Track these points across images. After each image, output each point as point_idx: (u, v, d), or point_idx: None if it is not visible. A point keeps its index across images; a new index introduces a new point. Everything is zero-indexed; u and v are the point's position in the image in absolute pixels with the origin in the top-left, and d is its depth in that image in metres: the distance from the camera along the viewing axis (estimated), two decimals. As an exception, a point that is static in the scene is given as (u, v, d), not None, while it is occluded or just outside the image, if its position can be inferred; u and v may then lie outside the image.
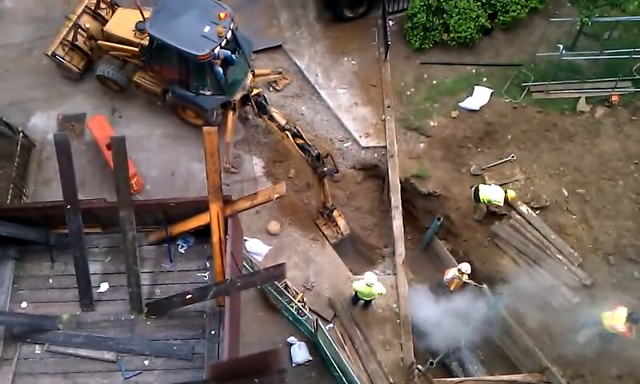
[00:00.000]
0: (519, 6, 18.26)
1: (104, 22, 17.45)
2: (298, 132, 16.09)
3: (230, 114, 16.77)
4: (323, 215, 16.78)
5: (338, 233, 16.70)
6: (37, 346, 11.74)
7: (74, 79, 18.08)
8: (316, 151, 15.75)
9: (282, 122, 16.20)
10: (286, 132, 16.00)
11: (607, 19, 17.18)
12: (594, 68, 18.06)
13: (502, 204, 16.24)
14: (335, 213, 16.61)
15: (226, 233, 11.80)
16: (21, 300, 12.14)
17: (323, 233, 16.72)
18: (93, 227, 12.53)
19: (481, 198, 16.15)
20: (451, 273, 15.64)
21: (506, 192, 16.27)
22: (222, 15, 15.36)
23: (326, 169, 15.84)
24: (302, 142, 15.92)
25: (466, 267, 15.53)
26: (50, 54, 17.31)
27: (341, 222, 16.72)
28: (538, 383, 15.36)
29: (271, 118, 16.45)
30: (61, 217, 11.90)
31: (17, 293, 12.21)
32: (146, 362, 11.63)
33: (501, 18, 18.44)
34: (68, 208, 11.77)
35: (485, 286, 15.97)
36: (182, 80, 16.18)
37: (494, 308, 15.60)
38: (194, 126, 17.24)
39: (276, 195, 12.04)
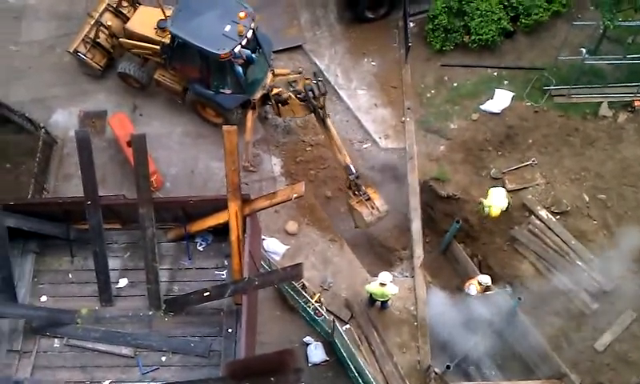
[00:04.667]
0: (542, 9, 18.11)
1: (126, 19, 17.55)
2: (298, 90, 15.83)
3: (250, 113, 16.80)
4: (354, 192, 15.40)
5: (373, 208, 15.28)
6: (56, 339, 11.83)
7: (95, 76, 18.22)
8: (308, 86, 15.21)
9: (286, 95, 16.06)
10: (290, 94, 15.84)
11: (631, 23, 16.97)
12: (617, 72, 17.88)
13: (485, 211, 16.14)
14: (369, 190, 15.48)
15: (244, 231, 11.82)
16: (40, 294, 12.24)
17: (358, 211, 15.26)
18: (112, 223, 12.61)
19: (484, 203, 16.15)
20: (472, 288, 15.37)
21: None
22: (243, 15, 15.40)
23: (317, 96, 15.14)
24: (301, 94, 15.67)
25: (485, 280, 15.32)
26: (72, 51, 17.46)
27: (377, 198, 15.36)
28: (556, 390, 15.21)
29: (282, 102, 16.31)
30: (81, 212, 11.98)
31: (37, 286, 12.32)
32: (163, 359, 11.67)
33: (523, 20, 18.30)
34: (88, 204, 11.85)
35: (509, 288, 15.84)
36: (202, 78, 16.24)
37: (509, 309, 15.47)
38: (214, 125, 17.31)
39: (295, 195, 12.03)
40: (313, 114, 15.66)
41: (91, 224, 11.91)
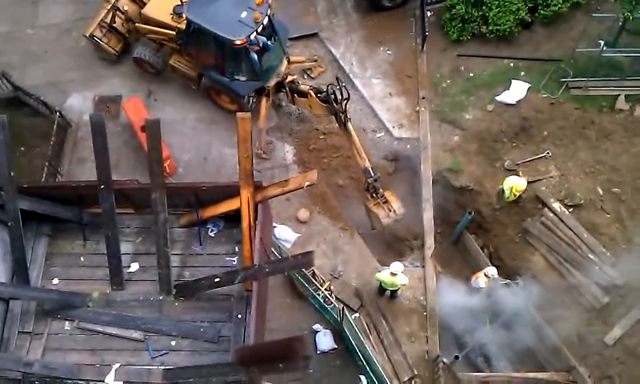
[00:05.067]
0: (561, 0, 17.89)
1: (142, 4, 17.55)
2: (319, 88, 15.93)
3: (264, 100, 16.81)
4: (372, 194, 15.53)
5: (390, 211, 15.40)
6: (67, 322, 12.00)
7: (111, 61, 18.28)
8: (331, 89, 15.24)
9: (306, 88, 16.14)
10: (310, 91, 15.91)
11: (651, 15, 16.78)
12: (635, 65, 17.64)
13: (507, 194, 16.12)
14: (387, 193, 15.57)
15: (255, 218, 11.87)
16: (53, 276, 12.40)
17: (375, 213, 15.40)
18: (125, 208, 12.73)
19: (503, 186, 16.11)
20: (480, 281, 15.36)
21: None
22: (260, 1, 15.34)
23: (339, 100, 15.15)
24: (323, 95, 15.70)
25: (491, 272, 15.28)
26: (88, 35, 17.51)
27: (394, 201, 15.47)
28: (565, 382, 15.16)
29: (299, 93, 16.37)
30: (94, 196, 12.10)
31: (49, 269, 12.47)
32: (173, 343, 11.79)
33: (542, 11, 18.10)
34: (102, 188, 11.96)
35: (519, 281, 15.79)
36: (217, 65, 16.24)
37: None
38: (228, 112, 17.32)
39: (307, 183, 12.04)
40: (333, 117, 15.64)
41: (104, 208, 12.02)
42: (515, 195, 16.18)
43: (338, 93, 15.08)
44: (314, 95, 15.84)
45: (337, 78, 15.62)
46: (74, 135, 17.52)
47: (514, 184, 16.02)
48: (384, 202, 15.46)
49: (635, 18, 16.12)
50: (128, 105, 17.14)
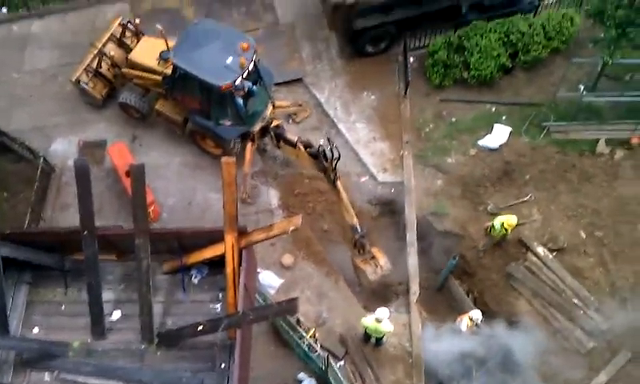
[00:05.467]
0: (540, 46, 18.24)
1: (129, 50, 17.71)
2: (309, 142, 16.11)
3: (249, 144, 16.89)
4: (359, 251, 15.80)
5: (377, 267, 15.69)
6: (46, 372, 11.79)
7: (96, 106, 18.34)
8: (322, 148, 15.42)
9: (295, 138, 16.31)
10: (299, 144, 16.06)
11: (629, 61, 17.11)
12: (615, 110, 17.98)
13: (497, 228, 16.19)
14: (374, 249, 15.90)
15: (240, 264, 11.82)
16: (33, 325, 12.23)
17: (362, 269, 15.69)
18: (108, 254, 12.62)
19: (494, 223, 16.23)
20: (464, 324, 15.35)
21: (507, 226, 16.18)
22: (245, 46, 15.53)
23: (329, 159, 15.24)
24: (312, 149, 15.86)
25: (476, 315, 15.27)
26: (73, 80, 17.60)
27: (381, 257, 15.80)
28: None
29: (285, 141, 16.53)
30: (77, 242, 12.01)
31: (29, 317, 12.32)
32: (155, 393, 11.59)
33: (522, 57, 18.43)
34: (84, 234, 11.88)
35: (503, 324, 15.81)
36: (202, 109, 16.33)
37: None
38: (213, 156, 17.37)
39: (292, 228, 12.04)
40: (322, 173, 15.79)
41: (86, 255, 11.92)
42: (506, 230, 16.22)
43: (328, 152, 15.25)
44: (303, 149, 16.01)
45: (327, 138, 15.81)
46: (57, 180, 17.46)
47: (506, 218, 16.13)
48: (371, 258, 15.71)
49: (614, 64, 16.41)
50: (113, 150, 17.14)
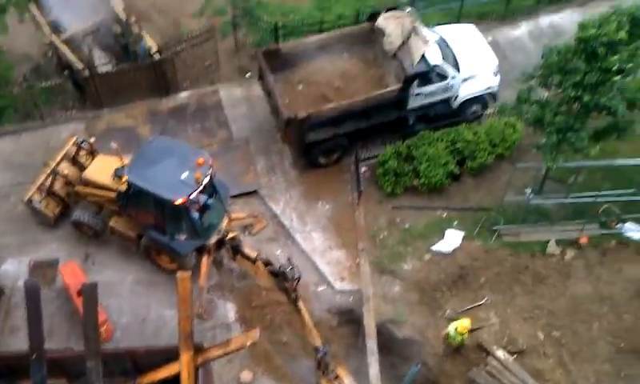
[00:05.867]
0: (486, 153, 18.98)
1: (83, 168, 17.75)
2: (269, 260, 16.19)
3: (205, 258, 16.79)
4: (323, 371, 15.32)
5: None
6: None
7: (48, 225, 18.12)
8: (282, 268, 15.57)
9: (254, 254, 16.37)
10: (258, 262, 16.08)
11: (572, 164, 17.84)
12: (562, 211, 18.59)
13: (452, 335, 16.18)
14: (339, 369, 15.47)
15: (196, 383, 11.48)
16: None
17: None
18: (58, 379, 12.16)
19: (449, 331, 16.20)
20: None
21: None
22: (200, 161, 15.73)
23: (290, 280, 15.43)
24: (272, 267, 15.96)
25: None
26: (26, 200, 17.47)
27: (345, 375, 15.35)
28: None
29: (243, 255, 16.55)
30: (26, 367, 11.52)
31: None
32: None
33: (469, 164, 19.12)
34: (33, 358, 11.42)
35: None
36: (157, 225, 16.29)
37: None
38: (168, 272, 17.16)
39: (249, 342, 11.85)
40: (282, 292, 15.88)
41: (35, 380, 11.43)
42: (462, 335, 16.19)
43: (289, 272, 15.38)
44: (262, 267, 16.12)
45: (288, 259, 16.02)
46: (6, 303, 16.95)
47: (459, 323, 16.13)
48: (335, 378, 15.40)
49: (558, 167, 17.06)
50: (65, 269, 16.83)
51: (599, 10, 15.93)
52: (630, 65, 14.52)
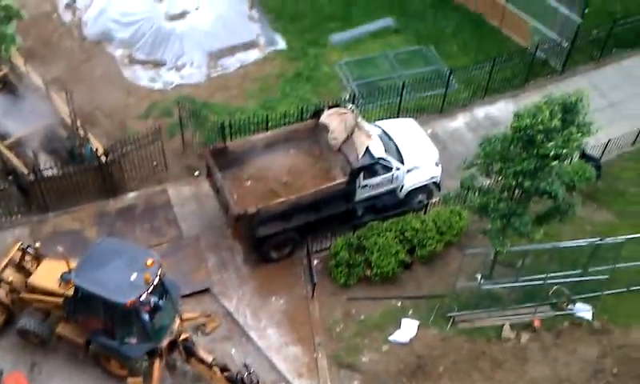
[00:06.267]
0: (435, 240, 19.29)
1: (28, 274, 17.22)
2: (226, 366, 15.90)
3: (157, 361, 16.26)
4: None
5: None
6: None
7: (-9, 336, 17.39)
8: (240, 375, 15.37)
9: (210, 359, 16.00)
10: (214, 367, 15.73)
11: (518, 248, 18.26)
12: (513, 294, 18.86)
13: None
14: None
15: None
16: None
17: None
18: None
19: None
20: None
21: None
22: (150, 262, 15.50)
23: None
24: (230, 373, 15.64)
25: None
26: (-34, 311, 16.78)
27: None
28: None
29: (199, 360, 16.16)
30: None
31: None
32: None
33: (419, 251, 19.36)
34: None
35: None
36: (106, 329, 15.79)
37: None
38: (119, 378, 16.50)
39: None
40: None
41: None
42: None
43: (247, 378, 15.26)
44: (219, 373, 15.81)
45: (245, 365, 15.86)
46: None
47: None
48: None
49: (506, 252, 17.43)
50: (9, 380, 16.10)
51: (531, 100, 16.76)
52: (565, 150, 15.18)
